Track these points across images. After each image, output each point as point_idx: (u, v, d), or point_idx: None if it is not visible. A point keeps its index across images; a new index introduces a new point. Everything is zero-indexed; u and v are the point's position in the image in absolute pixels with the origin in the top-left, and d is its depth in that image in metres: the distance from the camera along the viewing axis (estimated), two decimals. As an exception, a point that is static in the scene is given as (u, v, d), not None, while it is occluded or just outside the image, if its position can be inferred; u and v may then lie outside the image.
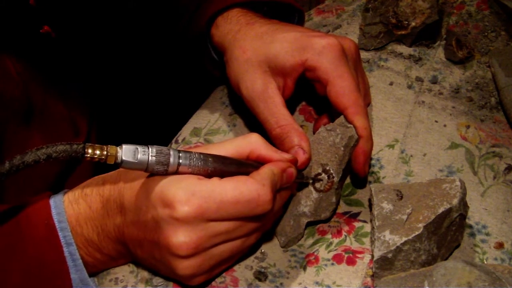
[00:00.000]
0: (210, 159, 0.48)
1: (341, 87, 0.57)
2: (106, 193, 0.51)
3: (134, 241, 0.50)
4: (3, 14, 0.59)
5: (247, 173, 0.50)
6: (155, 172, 0.47)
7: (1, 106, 0.58)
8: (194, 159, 0.48)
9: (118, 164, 0.45)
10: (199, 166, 0.48)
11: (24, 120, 0.62)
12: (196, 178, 0.47)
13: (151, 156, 0.46)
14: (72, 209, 0.51)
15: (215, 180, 0.48)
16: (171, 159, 0.47)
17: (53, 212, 0.50)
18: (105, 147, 0.45)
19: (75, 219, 0.51)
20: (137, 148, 0.46)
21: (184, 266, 0.48)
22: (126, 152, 0.45)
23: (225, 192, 0.47)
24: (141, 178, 0.49)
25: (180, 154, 0.47)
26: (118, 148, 0.45)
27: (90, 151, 0.45)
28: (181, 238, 0.46)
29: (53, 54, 0.66)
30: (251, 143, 0.51)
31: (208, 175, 0.48)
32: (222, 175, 0.49)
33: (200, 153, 0.48)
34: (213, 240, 0.48)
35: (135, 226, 0.49)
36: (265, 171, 0.50)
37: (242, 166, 0.51)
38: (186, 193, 0.46)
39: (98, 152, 0.45)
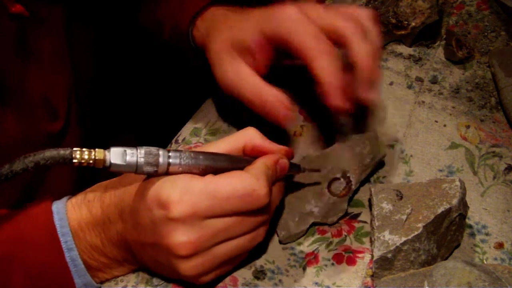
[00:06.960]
0: (200, 156, 0.48)
1: (298, 36, 0.54)
2: (107, 199, 0.51)
3: (137, 246, 0.50)
4: None
5: (241, 169, 0.49)
6: (145, 174, 0.47)
7: None
8: (185, 157, 0.47)
9: (107, 168, 0.45)
10: (190, 164, 0.47)
11: None
12: (189, 177, 0.47)
13: (140, 157, 0.45)
14: (74, 214, 0.50)
15: (208, 177, 0.47)
16: (161, 159, 0.46)
17: (55, 217, 0.50)
18: (92, 151, 0.45)
19: (77, 224, 0.50)
20: (125, 150, 0.45)
21: (187, 267, 0.47)
22: (114, 155, 0.45)
23: (218, 188, 0.46)
24: (138, 182, 0.49)
25: (170, 154, 0.47)
26: (106, 152, 0.45)
27: (78, 156, 0.44)
28: (179, 238, 0.46)
29: (28, 34, 0.63)
30: (246, 135, 0.51)
31: (201, 173, 0.48)
32: (215, 172, 0.48)
33: (191, 151, 0.48)
34: (214, 238, 0.47)
35: (136, 230, 0.49)
36: (258, 165, 0.49)
37: (235, 161, 0.50)
38: (180, 192, 0.46)
39: (86, 156, 0.44)
